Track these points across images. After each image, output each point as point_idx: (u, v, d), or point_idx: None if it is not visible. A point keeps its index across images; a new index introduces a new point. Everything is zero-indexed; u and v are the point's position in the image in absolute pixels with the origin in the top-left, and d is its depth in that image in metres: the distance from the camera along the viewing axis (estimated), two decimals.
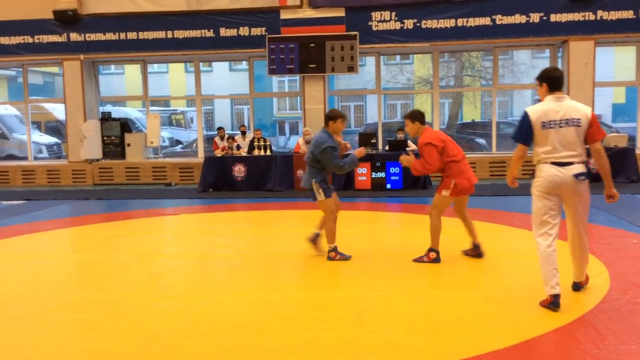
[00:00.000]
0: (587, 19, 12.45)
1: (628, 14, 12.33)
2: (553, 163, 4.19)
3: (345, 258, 5.84)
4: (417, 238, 6.98)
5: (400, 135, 12.23)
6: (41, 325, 4.24)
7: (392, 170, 11.40)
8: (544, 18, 12.56)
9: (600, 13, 12.42)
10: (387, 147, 12.22)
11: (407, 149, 11.97)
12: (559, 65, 13.46)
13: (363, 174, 11.46)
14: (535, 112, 4.21)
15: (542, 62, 17.43)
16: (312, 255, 6.11)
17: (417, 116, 5.71)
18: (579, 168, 4.17)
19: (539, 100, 4.36)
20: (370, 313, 4.31)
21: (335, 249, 5.88)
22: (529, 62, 20.39)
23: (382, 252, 6.13)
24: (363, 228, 7.98)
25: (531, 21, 12.60)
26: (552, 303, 4.19)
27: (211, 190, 11.99)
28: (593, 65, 12.48)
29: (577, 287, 4.62)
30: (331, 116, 5.82)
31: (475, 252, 5.85)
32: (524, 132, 4.26)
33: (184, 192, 12.09)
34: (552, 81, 4.26)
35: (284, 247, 6.89)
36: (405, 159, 5.75)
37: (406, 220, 8.64)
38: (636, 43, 13.05)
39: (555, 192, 4.22)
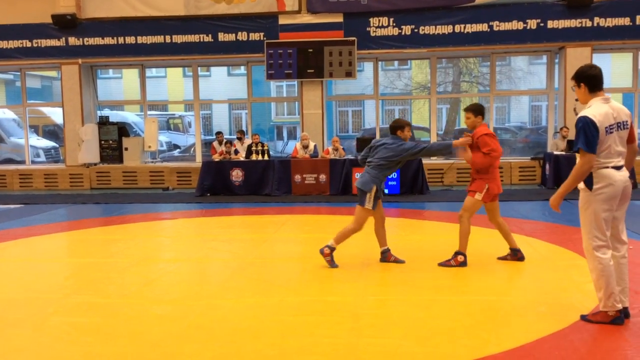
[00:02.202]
0: (584, 25, 12.51)
1: (625, 21, 12.40)
2: (613, 167, 3.89)
3: (332, 265, 5.81)
4: (413, 243, 7.01)
5: None
6: (39, 329, 4.23)
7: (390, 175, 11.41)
8: (541, 24, 12.61)
9: (597, 20, 12.48)
10: None
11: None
12: (555, 72, 13.52)
13: None
14: (597, 116, 3.83)
15: (540, 68, 17.49)
16: (309, 259, 6.11)
17: (480, 110, 5.74)
18: (626, 170, 4.00)
19: (577, 100, 4.01)
20: (367, 318, 4.31)
21: (332, 251, 5.83)
22: (526, 68, 20.44)
23: (378, 258, 6.12)
24: (360, 233, 7.96)
25: (528, 27, 12.66)
26: (619, 319, 3.95)
27: (209, 194, 12.00)
28: None
29: (627, 313, 4.10)
30: (397, 126, 5.81)
31: (516, 256, 5.87)
32: (593, 139, 3.79)
33: (181, 197, 12.09)
34: (591, 81, 3.93)
35: (281, 251, 6.90)
36: (459, 143, 5.67)
37: (403, 225, 8.64)
38: (633, 50, 13.12)
39: (618, 198, 3.92)
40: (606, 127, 3.84)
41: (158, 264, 6.38)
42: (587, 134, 3.80)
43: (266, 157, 12.20)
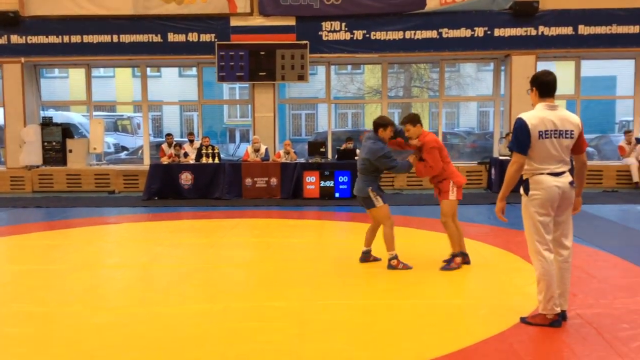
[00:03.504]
0: (528, 34, 12.88)
1: (568, 30, 12.84)
2: (550, 174, 3.98)
3: (407, 267, 5.74)
4: (361, 247, 7.01)
5: (349, 145, 12.31)
6: None
7: (341, 179, 11.46)
8: (488, 32, 12.92)
9: (541, 29, 12.87)
10: (336, 156, 12.29)
11: (356, 158, 12.06)
12: (502, 78, 13.87)
13: (312, 183, 11.47)
14: (531, 119, 3.95)
15: (487, 74, 17.93)
16: (258, 264, 6.05)
17: (416, 119, 5.84)
18: (570, 176, 4.05)
19: (532, 106, 4.11)
20: (312, 324, 4.29)
21: (396, 257, 5.76)
22: (474, 74, 20.94)
23: (328, 262, 6.13)
24: (310, 237, 7.97)
25: (476, 35, 12.95)
26: (557, 322, 4.04)
27: (156, 198, 11.75)
28: None
29: (564, 316, 4.19)
30: (381, 124, 5.80)
31: (463, 260, 5.96)
32: (523, 140, 3.95)
33: (127, 200, 11.81)
34: (542, 86, 4.02)
35: (229, 256, 6.80)
36: (413, 159, 5.84)
37: (353, 229, 8.67)
38: (575, 58, 13.59)
39: (555, 203, 3.98)
40: (540, 132, 3.93)
41: (101, 270, 6.20)
42: (518, 135, 3.98)
43: (216, 160, 12.04)
